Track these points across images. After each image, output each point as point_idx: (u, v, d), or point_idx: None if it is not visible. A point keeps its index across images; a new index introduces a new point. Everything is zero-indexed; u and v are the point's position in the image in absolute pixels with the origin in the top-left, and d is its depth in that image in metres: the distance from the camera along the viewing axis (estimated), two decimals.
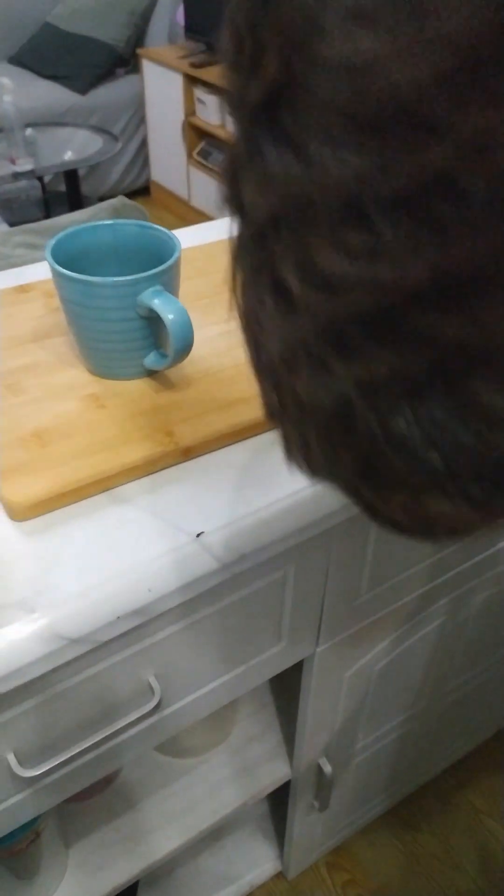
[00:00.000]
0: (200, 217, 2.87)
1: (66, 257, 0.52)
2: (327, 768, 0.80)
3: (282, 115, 0.16)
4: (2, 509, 0.46)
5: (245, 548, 0.46)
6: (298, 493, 0.48)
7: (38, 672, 0.41)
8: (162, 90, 2.75)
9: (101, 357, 0.53)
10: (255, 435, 0.52)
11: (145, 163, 3.08)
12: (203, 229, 0.80)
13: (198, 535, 0.45)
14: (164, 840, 0.77)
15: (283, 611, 0.57)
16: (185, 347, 0.49)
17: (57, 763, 0.48)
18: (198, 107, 2.66)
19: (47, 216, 2.26)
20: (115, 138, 2.39)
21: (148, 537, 0.45)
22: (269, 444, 0.51)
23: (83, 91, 2.82)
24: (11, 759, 0.47)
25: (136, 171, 3.08)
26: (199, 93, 2.61)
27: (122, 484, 0.48)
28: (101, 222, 0.54)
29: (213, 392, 0.53)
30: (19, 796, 0.50)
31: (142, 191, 3.16)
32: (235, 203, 0.19)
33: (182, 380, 0.54)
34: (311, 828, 0.94)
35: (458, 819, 1.13)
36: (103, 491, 0.48)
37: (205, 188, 2.78)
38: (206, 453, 0.50)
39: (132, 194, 3.16)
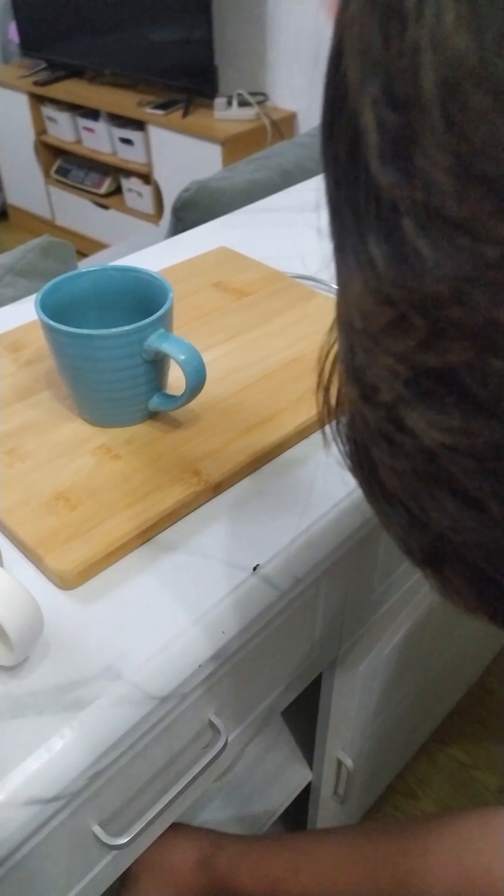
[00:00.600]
0: (67, 235, 2.80)
1: (51, 310, 0.51)
2: (347, 762, 0.82)
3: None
4: (48, 582, 0.45)
5: (299, 572, 0.47)
6: (334, 509, 0.49)
7: (132, 739, 0.41)
8: (7, 111, 2.65)
9: (105, 407, 0.52)
10: (276, 457, 0.53)
11: None
12: (162, 249, 0.79)
13: (254, 569, 0.46)
14: None
15: (315, 622, 0.59)
16: (199, 385, 0.49)
17: (144, 823, 0.47)
18: (48, 125, 2.59)
19: None
20: None
21: (206, 579, 0.45)
22: (292, 463, 0.52)
23: None
24: (98, 830, 0.46)
25: None
26: (48, 111, 2.54)
27: (163, 530, 0.48)
28: (80, 271, 0.53)
29: (222, 423, 0.54)
30: (104, 861, 0.49)
31: None
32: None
33: (187, 416, 0.54)
34: (330, 823, 0.96)
35: (448, 777, 1.19)
36: (146, 541, 0.47)
37: (68, 206, 2.71)
38: (234, 485, 0.51)
39: None
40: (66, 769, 0.37)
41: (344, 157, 0.16)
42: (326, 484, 0.51)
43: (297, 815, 1.01)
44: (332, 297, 0.69)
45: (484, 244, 0.14)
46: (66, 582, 0.44)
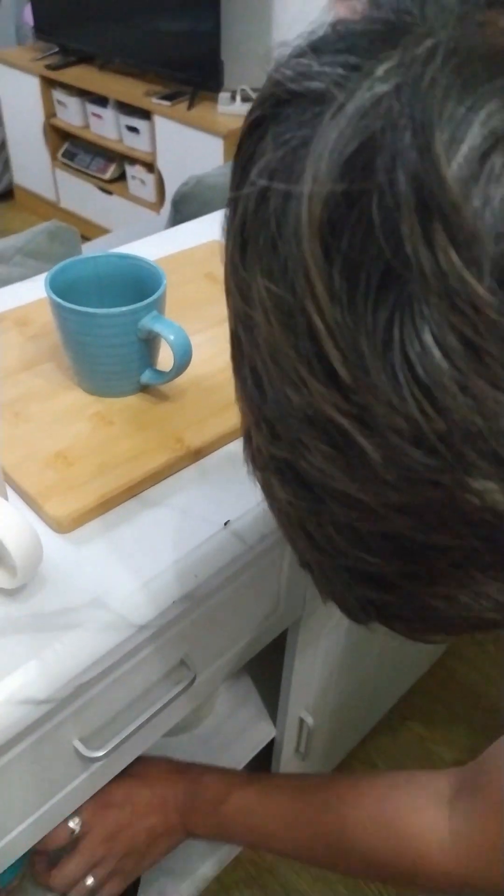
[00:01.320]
0: (70, 218, 2.85)
1: (58, 290, 0.57)
2: (309, 720, 0.90)
3: None
4: (47, 528, 0.52)
5: (265, 529, 0.54)
6: None
7: (112, 660, 0.48)
8: (18, 93, 2.69)
9: (102, 378, 0.59)
10: None
11: (6, 167, 3.01)
12: (160, 240, 0.86)
13: (226, 524, 0.52)
14: None
15: (280, 582, 0.66)
16: (186, 364, 0.56)
17: (118, 742, 0.54)
18: (58, 108, 2.64)
19: None
20: None
21: (183, 531, 0.52)
22: None
23: None
24: (78, 744, 0.53)
25: None
26: (59, 95, 2.59)
27: (148, 489, 0.55)
28: (84, 256, 0.60)
29: (205, 398, 0.60)
30: (82, 777, 0.56)
31: (4, 195, 3.08)
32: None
33: (174, 391, 0.61)
34: None
35: (406, 749, 1.27)
36: (132, 497, 0.54)
37: (73, 189, 2.76)
38: (212, 452, 0.58)
39: None
40: (56, 676, 0.44)
41: None
42: None
43: (262, 769, 1.08)
44: None
45: None
46: (62, 526, 0.51)
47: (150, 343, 0.58)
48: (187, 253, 0.82)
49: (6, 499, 0.49)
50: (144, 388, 0.61)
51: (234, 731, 0.92)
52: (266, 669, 0.98)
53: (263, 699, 0.95)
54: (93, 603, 0.47)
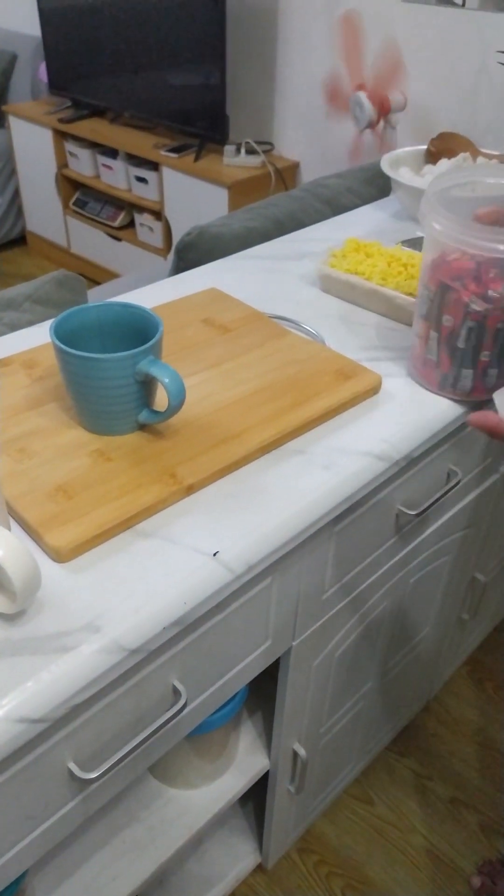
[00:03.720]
0: (81, 262, 2.94)
1: (62, 336, 0.62)
2: (302, 752, 0.91)
3: None
4: (46, 557, 0.55)
5: (252, 559, 0.57)
6: (285, 512, 0.60)
7: (104, 682, 0.50)
8: (32, 144, 2.81)
9: (103, 418, 0.63)
10: (240, 467, 0.63)
11: (19, 213, 3.12)
12: (163, 286, 0.91)
13: (214, 554, 0.56)
14: (170, 841, 0.85)
15: (269, 612, 0.69)
16: (180, 404, 0.60)
17: (111, 763, 0.56)
18: (70, 159, 2.75)
19: None
20: None
21: (174, 561, 0.55)
22: (254, 473, 0.63)
23: None
24: (73, 766, 0.55)
25: (11, 222, 3.11)
26: (71, 146, 2.70)
27: (142, 521, 0.58)
28: (88, 305, 0.64)
29: (198, 436, 0.64)
30: (76, 800, 0.58)
31: (18, 241, 3.19)
32: None
33: (169, 429, 0.65)
34: (286, 814, 1.04)
35: (403, 786, 1.28)
36: (128, 529, 0.57)
37: (83, 235, 2.86)
38: (204, 487, 0.61)
39: (8, 245, 3.18)
40: (51, 697, 0.47)
41: None
42: (281, 492, 0.62)
43: (259, 802, 1.09)
44: (303, 336, 0.80)
45: None
46: (61, 556, 0.54)
47: (147, 385, 0.62)
48: (187, 299, 0.87)
49: (9, 528, 0.53)
50: (142, 427, 0.65)
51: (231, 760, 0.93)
52: (261, 701, 1.00)
53: (257, 731, 0.97)
54: (87, 627, 0.50)
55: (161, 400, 0.67)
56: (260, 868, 1.15)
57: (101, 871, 0.84)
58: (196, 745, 0.86)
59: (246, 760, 0.94)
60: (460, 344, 0.68)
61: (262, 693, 1.00)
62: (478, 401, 0.73)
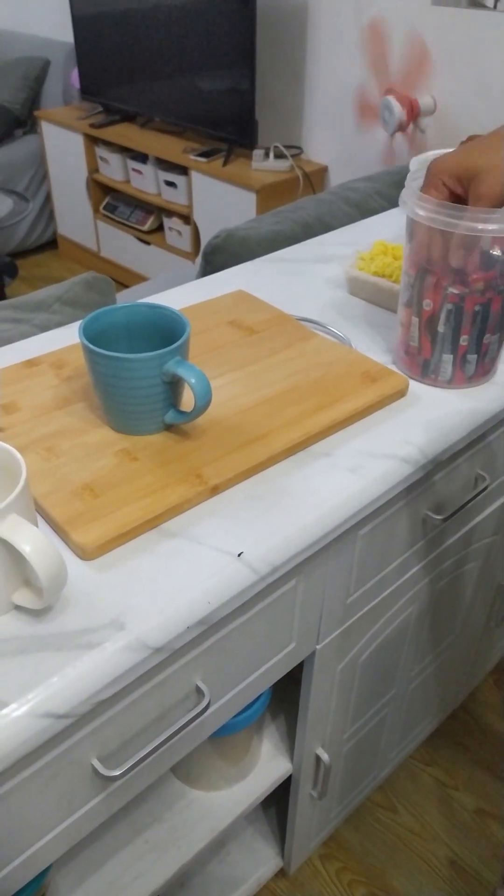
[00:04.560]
0: (110, 266, 2.97)
1: (90, 337, 0.63)
2: (325, 757, 0.91)
3: None
4: (72, 554, 0.56)
5: (276, 561, 0.57)
6: (309, 514, 0.60)
7: (128, 680, 0.51)
8: (64, 149, 2.85)
9: (129, 417, 0.63)
10: (265, 469, 0.63)
11: (50, 217, 3.16)
12: (191, 289, 0.91)
13: (238, 555, 0.56)
14: (192, 842, 0.85)
15: (293, 615, 0.68)
16: (206, 405, 0.60)
17: (135, 761, 0.57)
18: (100, 164, 2.78)
19: None
20: (26, 199, 2.47)
21: (199, 561, 0.55)
22: (279, 475, 0.63)
23: None
24: (97, 763, 0.56)
25: (42, 226, 3.16)
26: (101, 151, 2.73)
27: (168, 520, 0.58)
28: (117, 305, 0.65)
29: (224, 437, 0.64)
30: (99, 797, 0.59)
31: (49, 244, 3.23)
32: None
33: (195, 430, 0.65)
34: (308, 819, 1.04)
35: (428, 795, 1.26)
36: (153, 528, 0.58)
37: (113, 239, 2.89)
38: (229, 488, 0.61)
39: (40, 248, 3.23)
40: (76, 693, 0.47)
41: None
42: (306, 494, 0.61)
43: (282, 806, 1.09)
44: (329, 338, 0.80)
45: None
46: (87, 553, 0.55)
47: (173, 385, 0.62)
48: (215, 301, 0.87)
49: (36, 526, 0.54)
50: (168, 427, 0.65)
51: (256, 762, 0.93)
52: (284, 704, 0.99)
53: (280, 734, 0.97)
54: (111, 625, 0.50)
55: (188, 400, 0.67)
56: (282, 873, 1.14)
57: (124, 871, 0.84)
58: (219, 747, 0.86)
59: (269, 764, 0.93)
60: (440, 328, 0.69)
61: (285, 696, 0.99)
62: (458, 388, 0.74)
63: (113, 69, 2.60)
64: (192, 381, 0.59)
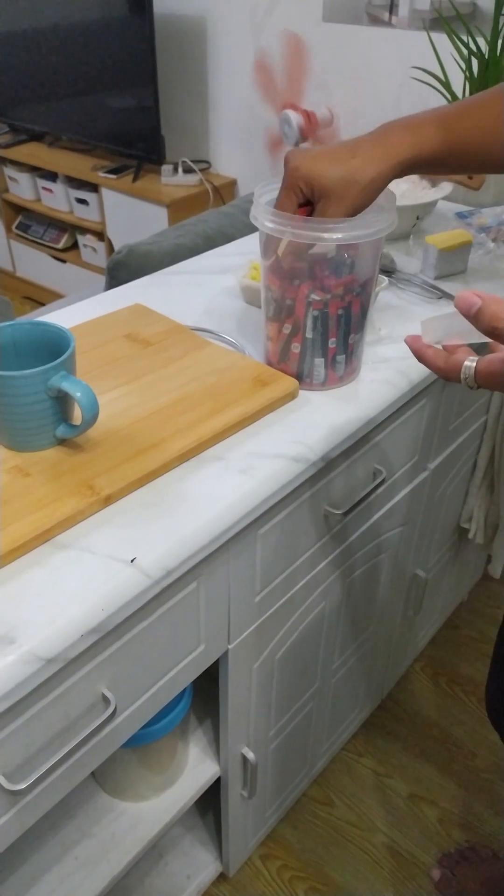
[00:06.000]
0: (26, 285, 2.94)
1: None
2: (250, 756, 0.92)
3: None
4: None
5: (170, 564, 0.59)
6: (202, 517, 0.61)
7: (23, 692, 0.51)
8: None
9: (19, 434, 0.64)
10: (159, 476, 0.65)
11: None
12: (93, 304, 0.92)
13: (131, 561, 0.57)
14: (122, 854, 0.85)
15: (199, 617, 0.70)
16: (93, 417, 0.62)
17: (41, 773, 0.57)
18: (10, 184, 2.75)
19: None
20: None
21: (92, 570, 0.56)
22: (172, 481, 0.64)
23: None
24: (0, 778, 0.56)
25: None
26: (10, 171, 2.70)
27: (61, 533, 0.59)
28: (2, 324, 0.65)
29: (117, 448, 0.66)
30: (10, 814, 0.59)
31: None
32: None
33: (88, 442, 0.66)
34: (242, 819, 1.05)
35: (363, 786, 1.29)
36: (46, 541, 0.58)
37: (28, 258, 2.86)
38: (123, 497, 0.63)
39: None
40: None
41: None
42: (199, 498, 0.63)
43: (218, 810, 1.10)
44: (223, 346, 0.82)
45: None
46: None
47: (61, 400, 0.63)
48: (111, 316, 0.88)
49: None
50: (62, 442, 0.66)
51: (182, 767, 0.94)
52: (210, 707, 1.01)
53: (207, 738, 0.98)
54: (2, 639, 0.51)
55: (79, 414, 0.68)
56: (223, 877, 1.15)
57: (53, 891, 0.84)
58: (143, 756, 0.87)
59: (197, 768, 0.94)
60: (308, 334, 0.72)
61: (210, 699, 1.01)
62: (331, 389, 0.78)
63: (17, 88, 2.58)
64: (78, 394, 0.60)
